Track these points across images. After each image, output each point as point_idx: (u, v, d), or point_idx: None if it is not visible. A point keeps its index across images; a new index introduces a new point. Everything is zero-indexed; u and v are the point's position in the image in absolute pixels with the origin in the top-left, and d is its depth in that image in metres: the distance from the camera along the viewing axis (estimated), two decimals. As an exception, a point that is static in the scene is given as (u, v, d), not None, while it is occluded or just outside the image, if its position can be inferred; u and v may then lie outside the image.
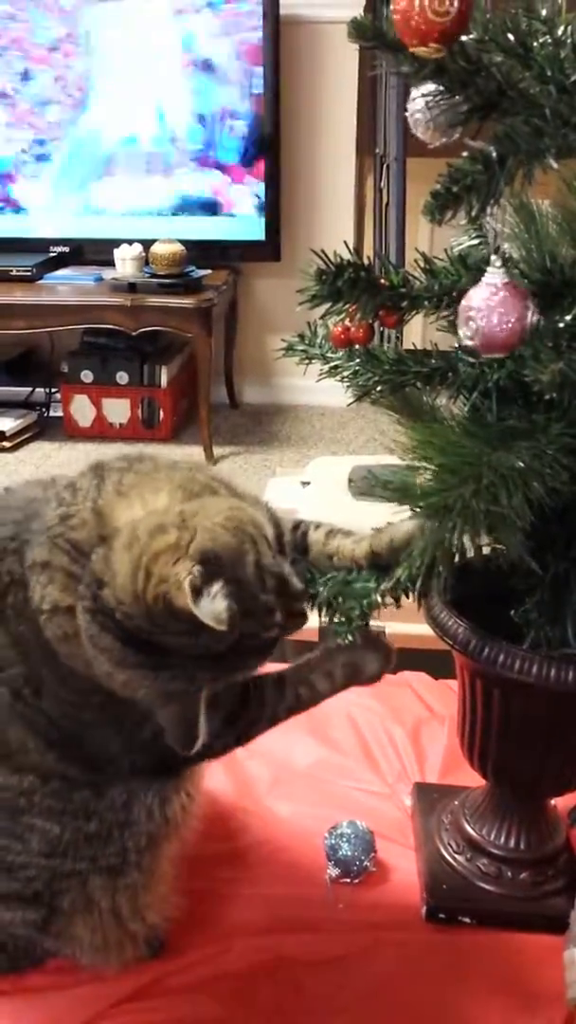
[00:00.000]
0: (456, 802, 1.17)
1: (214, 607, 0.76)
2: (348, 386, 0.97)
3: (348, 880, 1.12)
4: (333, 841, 1.13)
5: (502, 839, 1.10)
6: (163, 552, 0.77)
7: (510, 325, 0.79)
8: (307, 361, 1.00)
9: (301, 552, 0.99)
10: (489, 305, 0.79)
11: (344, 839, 1.13)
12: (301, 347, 1.00)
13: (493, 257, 0.80)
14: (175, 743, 0.83)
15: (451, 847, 1.13)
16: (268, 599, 0.81)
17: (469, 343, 0.80)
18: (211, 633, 0.76)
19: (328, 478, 2.23)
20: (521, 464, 0.79)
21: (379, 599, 0.95)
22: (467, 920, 1.07)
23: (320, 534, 1.00)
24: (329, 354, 0.98)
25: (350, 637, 0.95)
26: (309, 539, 1.00)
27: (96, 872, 0.96)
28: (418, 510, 0.84)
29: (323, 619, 0.96)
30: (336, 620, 0.95)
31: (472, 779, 1.14)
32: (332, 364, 0.97)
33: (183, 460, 0.93)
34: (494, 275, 0.80)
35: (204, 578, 0.76)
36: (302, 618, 0.85)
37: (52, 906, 0.97)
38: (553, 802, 1.14)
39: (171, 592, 0.76)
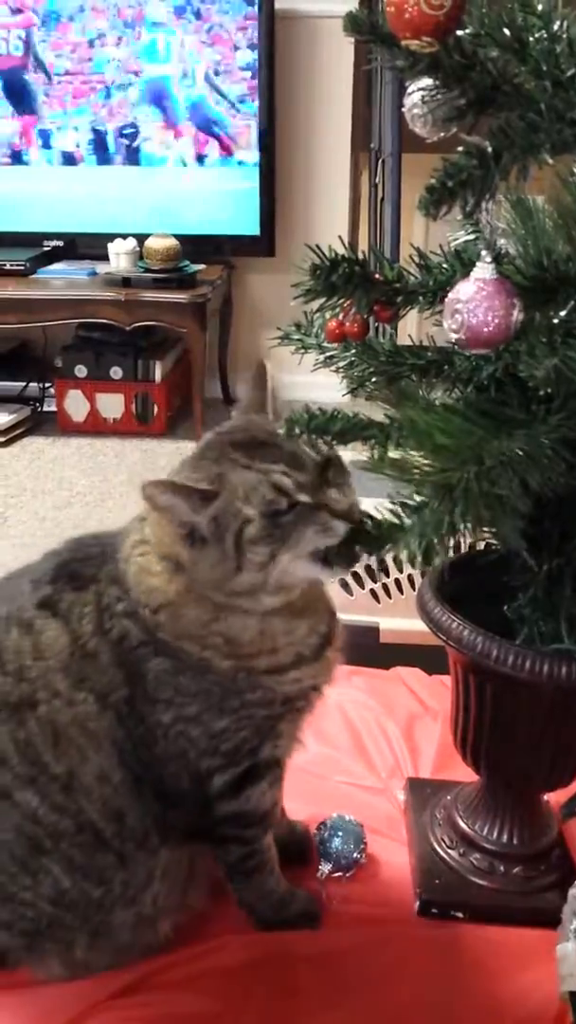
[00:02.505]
0: (449, 797, 1.17)
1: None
2: (343, 377, 0.97)
3: (341, 875, 1.12)
4: (323, 835, 1.13)
5: (495, 834, 1.10)
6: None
7: (496, 321, 0.78)
8: (302, 351, 1.00)
9: None
10: (476, 299, 0.79)
11: (333, 833, 1.13)
12: (297, 336, 1.00)
13: (484, 252, 0.80)
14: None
15: (444, 842, 1.13)
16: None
17: (454, 336, 0.80)
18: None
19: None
20: (519, 452, 0.79)
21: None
22: (459, 915, 1.07)
23: None
24: (325, 344, 0.97)
25: None
26: None
27: (83, 932, 0.98)
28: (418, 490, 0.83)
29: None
30: None
31: (465, 774, 1.14)
32: (328, 355, 0.97)
33: None
34: (483, 270, 0.79)
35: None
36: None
37: (33, 944, 0.99)
38: (546, 797, 1.14)
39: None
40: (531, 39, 0.76)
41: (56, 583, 0.96)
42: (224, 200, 3.56)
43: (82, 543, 1.01)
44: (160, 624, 0.91)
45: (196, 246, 3.43)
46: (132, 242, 3.34)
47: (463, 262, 0.91)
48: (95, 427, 3.51)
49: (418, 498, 0.84)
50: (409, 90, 0.80)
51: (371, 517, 0.97)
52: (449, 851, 1.12)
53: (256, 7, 3.32)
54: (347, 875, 1.12)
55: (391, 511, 0.97)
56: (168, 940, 1.03)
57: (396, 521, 0.97)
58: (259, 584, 0.87)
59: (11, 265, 3.42)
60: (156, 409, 3.49)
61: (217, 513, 0.86)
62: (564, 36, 0.76)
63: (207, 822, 0.98)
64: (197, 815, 0.97)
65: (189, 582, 0.90)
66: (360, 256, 0.89)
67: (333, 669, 0.99)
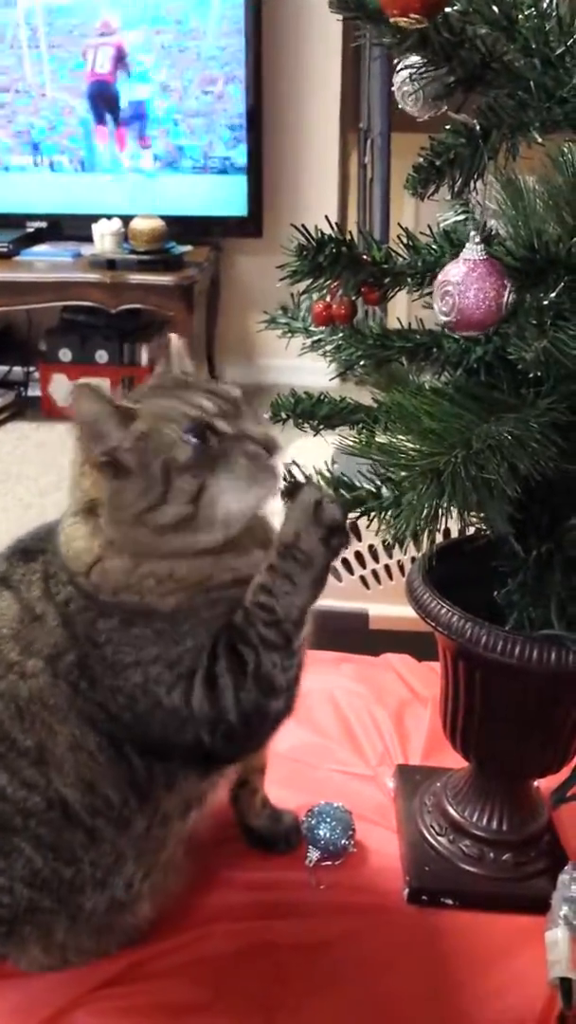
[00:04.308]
0: (439, 784, 1.16)
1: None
2: (331, 361, 0.95)
3: (330, 863, 1.11)
4: (310, 823, 1.13)
5: (484, 821, 1.10)
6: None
7: (487, 302, 0.77)
8: (289, 334, 0.98)
9: None
10: (467, 281, 0.78)
11: (321, 820, 1.12)
12: (283, 319, 0.99)
13: (473, 233, 0.79)
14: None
15: (433, 829, 1.12)
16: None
17: (444, 318, 0.79)
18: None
19: (310, 459, 2.22)
20: (509, 436, 0.78)
21: None
22: (449, 902, 1.07)
23: None
24: (312, 327, 0.96)
25: None
26: None
27: (62, 915, 0.97)
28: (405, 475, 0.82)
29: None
30: None
31: (455, 761, 1.13)
32: (315, 338, 0.96)
33: None
34: (473, 251, 0.78)
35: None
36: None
37: (12, 931, 0.97)
38: (536, 783, 1.14)
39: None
40: (520, 16, 0.75)
41: (11, 559, 0.98)
42: (211, 180, 3.53)
43: (45, 525, 1.02)
44: (96, 586, 0.90)
45: (183, 227, 3.41)
46: (117, 223, 3.31)
47: (452, 243, 0.90)
48: (81, 411, 3.49)
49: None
50: (399, 68, 0.79)
51: (349, 485, 0.95)
52: (439, 838, 1.11)
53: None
54: (336, 863, 1.12)
55: (370, 480, 0.95)
56: (151, 923, 1.01)
57: (373, 490, 0.95)
58: (187, 517, 0.86)
59: (-6, 247, 3.39)
60: (143, 393, 3.47)
61: (140, 439, 0.86)
62: (553, 13, 0.75)
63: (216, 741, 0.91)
64: (199, 748, 0.92)
65: (111, 534, 0.89)
66: (348, 236, 0.87)
67: None
